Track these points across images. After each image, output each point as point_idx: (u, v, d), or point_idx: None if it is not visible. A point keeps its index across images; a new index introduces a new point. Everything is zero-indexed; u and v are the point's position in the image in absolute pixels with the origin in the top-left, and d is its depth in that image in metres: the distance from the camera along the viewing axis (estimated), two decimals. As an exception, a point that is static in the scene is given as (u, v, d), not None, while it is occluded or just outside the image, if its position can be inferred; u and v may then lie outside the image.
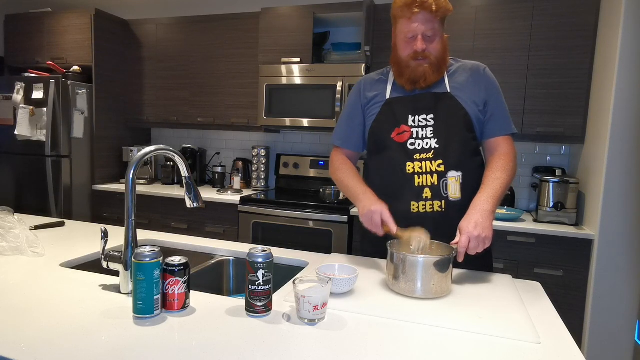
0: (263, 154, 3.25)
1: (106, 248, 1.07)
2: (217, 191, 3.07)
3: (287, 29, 2.89)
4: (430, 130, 1.33)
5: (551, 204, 2.42)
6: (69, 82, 3.04)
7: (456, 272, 1.27)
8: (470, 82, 1.36)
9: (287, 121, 2.89)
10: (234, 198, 2.84)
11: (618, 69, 2.14)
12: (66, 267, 1.26)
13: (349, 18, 2.89)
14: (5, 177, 3.23)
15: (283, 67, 2.88)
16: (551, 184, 2.43)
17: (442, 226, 1.27)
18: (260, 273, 0.93)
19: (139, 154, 1.05)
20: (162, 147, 1.09)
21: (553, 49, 2.48)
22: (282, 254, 1.44)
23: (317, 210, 2.63)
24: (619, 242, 2.20)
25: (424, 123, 1.33)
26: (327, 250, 2.57)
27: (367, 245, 1.49)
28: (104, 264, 1.06)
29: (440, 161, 1.30)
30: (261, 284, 0.94)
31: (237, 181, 3.13)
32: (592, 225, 2.29)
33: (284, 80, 2.88)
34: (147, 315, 0.91)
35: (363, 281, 1.18)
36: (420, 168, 1.31)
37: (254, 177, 3.29)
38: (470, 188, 1.30)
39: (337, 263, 1.16)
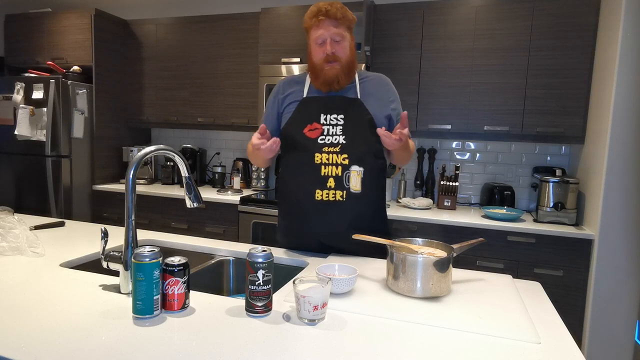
0: (263, 154, 3.24)
1: (106, 248, 1.07)
2: (217, 191, 3.07)
3: (287, 29, 2.89)
4: (340, 129, 1.46)
5: (551, 204, 2.42)
6: (69, 82, 3.04)
7: (456, 272, 1.27)
8: (379, 92, 1.52)
9: (287, 121, 2.89)
10: (234, 198, 2.84)
11: (618, 69, 2.14)
12: (66, 267, 1.26)
13: (349, 18, 2.89)
14: (5, 177, 3.23)
15: (283, 67, 2.88)
16: (551, 184, 2.43)
17: (343, 214, 1.43)
18: (260, 273, 0.93)
19: (139, 154, 1.05)
20: (162, 147, 1.09)
21: (553, 49, 2.48)
22: (282, 254, 1.44)
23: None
24: (619, 242, 2.20)
25: (335, 122, 1.47)
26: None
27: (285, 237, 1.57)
28: (104, 264, 1.06)
29: (345, 155, 1.44)
30: (261, 284, 0.94)
31: (237, 181, 3.13)
32: (592, 225, 2.29)
33: (284, 80, 2.88)
34: (147, 316, 0.91)
35: (363, 281, 1.18)
36: (327, 160, 1.44)
37: (254, 177, 3.29)
38: (370, 183, 1.45)
39: (337, 263, 1.16)
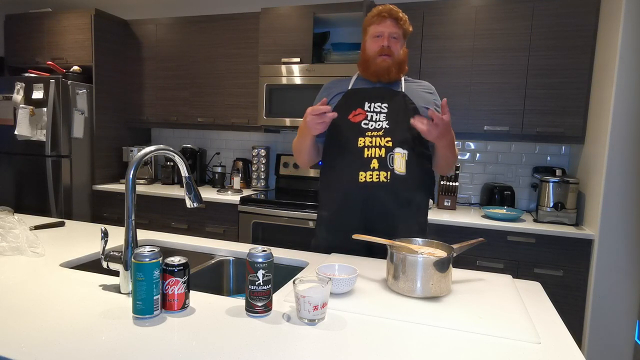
0: (263, 154, 3.25)
1: (106, 248, 1.07)
2: (217, 191, 3.07)
3: (287, 29, 2.89)
4: (384, 116, 1.49)
5: (551, 204, 2.42)
6: (69, 82, 3.04)
7: (456, 272, 1.27)
8: (425, 94, 1.56)
9: (287, 121, 2.89)
10: (234, 198, 2.84)
11: (618, 69, 2.14)
12: (66, 267, 1.26)
13: (349, 18, 2.89)
14: (5, 177, 3.23)
15: (283, 67, 2.88)
16: (551, 184, 2.43)
17: (387, 195, 1.43)
18: (260, 273, 0.93)
19: (139, 154, 1.05)
20: (162, 147, 1.09)
21: (553, 49, 2.48)
22: (282, 254, 1.44)
23: (317, 210, 2.62)
24: (619, 242, 2.20)
25: (379, 109, 1.50)
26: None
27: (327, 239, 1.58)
28: (104, 264, 1.06)
29: (389, 138, 1.45)
30: (261, 284, 0.94)
31: (237, 181, 3.13)
32: (592, 225, 2.29)
33: (284, 80, 2.88)
34: (147, 316, 0.91)
35: (363, 281, 1.18)
36: (371, 142, 1.45)
37: (254, 177, 3.29)
38: (414, 167, 1.45)
39: (337, 263, 1.15)
